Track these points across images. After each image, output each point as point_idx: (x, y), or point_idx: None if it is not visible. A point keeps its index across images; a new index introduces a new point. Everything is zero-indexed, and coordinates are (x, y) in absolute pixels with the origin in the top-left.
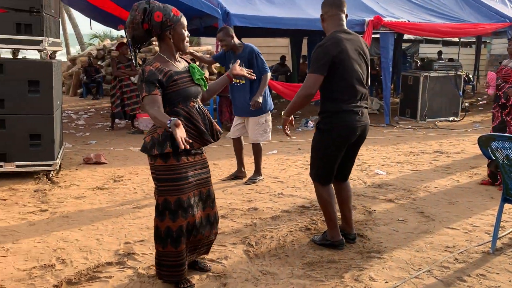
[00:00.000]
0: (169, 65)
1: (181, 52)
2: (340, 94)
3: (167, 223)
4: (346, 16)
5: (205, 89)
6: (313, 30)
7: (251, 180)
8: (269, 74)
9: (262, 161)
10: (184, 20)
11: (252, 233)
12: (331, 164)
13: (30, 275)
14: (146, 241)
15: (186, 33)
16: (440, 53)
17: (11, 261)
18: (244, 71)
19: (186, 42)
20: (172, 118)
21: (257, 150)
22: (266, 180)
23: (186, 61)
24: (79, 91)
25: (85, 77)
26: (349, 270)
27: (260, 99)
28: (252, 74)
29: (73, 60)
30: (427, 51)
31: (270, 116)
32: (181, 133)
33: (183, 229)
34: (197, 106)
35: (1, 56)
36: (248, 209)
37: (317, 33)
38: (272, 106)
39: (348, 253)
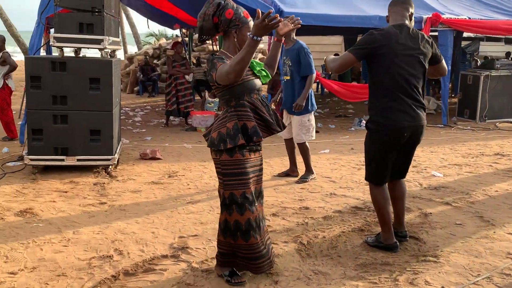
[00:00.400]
0: None
1: None
2: (382, 90)
3: (235, 217)
4: (411, 15)
5: (264, 82)
6: (367, 27)
7: (303, 179)
8: (313, 76)
9: (313, 160)
10: (251, 24)
11: (304, 232)
12: (381, 165)
13: (89, 264)
14: (200, 236)
15: None
16: (508, 54)
17: (72, 251)
18: (289, 25)
19: None
20: (248, 34)
21: (303, 149)
22: (318, 179)
23: None
24: (135, 88)
25: (141, 75)
26: (403, 273)
27: (303, 103)
28: (298, 19)
29: (130, 59)
30: (488, 49)
31: (313, 115)
32: (262, 18)
33: (251, 222)
34: (260, 98)
35: (64, 54)
36: (300, 208)
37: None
38: (315, 107)
39: (403, 255)
